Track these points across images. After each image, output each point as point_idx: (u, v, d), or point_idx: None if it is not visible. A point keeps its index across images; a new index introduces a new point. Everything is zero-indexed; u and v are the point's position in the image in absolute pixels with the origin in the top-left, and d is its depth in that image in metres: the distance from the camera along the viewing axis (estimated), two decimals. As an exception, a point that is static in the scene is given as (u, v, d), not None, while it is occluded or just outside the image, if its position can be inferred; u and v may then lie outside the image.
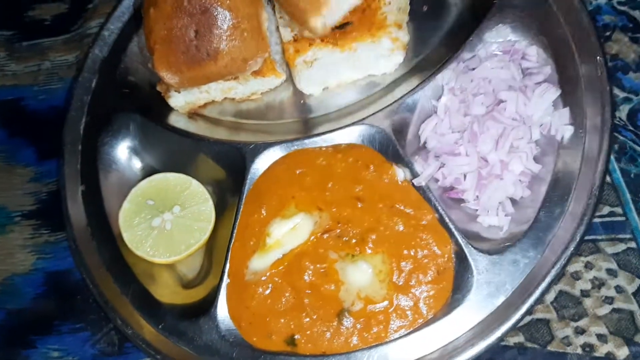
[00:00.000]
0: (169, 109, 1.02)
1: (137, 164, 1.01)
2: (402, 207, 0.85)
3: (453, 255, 0.82)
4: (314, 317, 0.82)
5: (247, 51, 0.89)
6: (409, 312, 0.80)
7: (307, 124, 1.00)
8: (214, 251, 0.95)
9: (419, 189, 0.85)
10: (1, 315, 0.99)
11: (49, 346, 0.95)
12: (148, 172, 0.99)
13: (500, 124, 0.82)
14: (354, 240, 0.85)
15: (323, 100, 1.01)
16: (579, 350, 0.78)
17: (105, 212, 0.97)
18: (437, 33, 0.99)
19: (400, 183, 0.86)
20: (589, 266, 0.82)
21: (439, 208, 0.83)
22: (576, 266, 0.82)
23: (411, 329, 0.80)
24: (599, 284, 0.81)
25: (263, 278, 0.86)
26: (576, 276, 0.82)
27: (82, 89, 1.03)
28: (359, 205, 0.86)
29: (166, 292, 0.92)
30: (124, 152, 1.01)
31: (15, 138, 1.11)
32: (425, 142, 0.88)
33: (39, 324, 0.97)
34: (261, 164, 0.93)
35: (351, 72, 0.99)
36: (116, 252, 0.94)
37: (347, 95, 1.00)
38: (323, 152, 0.91)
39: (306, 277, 0.84)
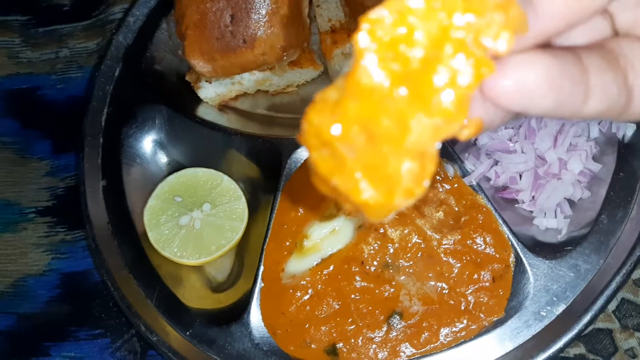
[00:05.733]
0: (198, 101, 0.96)
1: (162, 159, 0.95)
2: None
3: (510, 260, 0.77)
4: (361, 323, 0.76)
5: (286, 39, 0.84)
6: (464, 319, 0.74)
7: (344, 120, 0.95)
8: (246, 253, 0.88)
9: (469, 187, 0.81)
10: (11, 320, 0.91)
11: (65, 354, 0.88)
12: (174, 167, 0.93)
13: (559, 120, 0.77)
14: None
15: (360, 95, 0.96)
16: (646, 363, 0.73)
17: (128, 209, 0.90)
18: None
19: (450, 179, 0.81)
20: (653, 273, 0.77)
21: (492, 209, 0.78)
22: (639, 272, 0.77)
23: (464, 338, 0.75)
24: (665, 292, 0.76)
25: (302, 282, 0.80)
26: (639, 283, 0.77)
27: (105, 78, 0.97)
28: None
29: (194, 296, 0.86)
30: (148, 146, 0.94)
31: (30, 129, 1.04)
32: (476, 139, 0.83)
33: (53, 329, 0.89)
34: (298, 159, 0.87)
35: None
36: (139, 253, 0.87)
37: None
38: (365, 148, 0.86)
39: (356, 283, 0.78)
